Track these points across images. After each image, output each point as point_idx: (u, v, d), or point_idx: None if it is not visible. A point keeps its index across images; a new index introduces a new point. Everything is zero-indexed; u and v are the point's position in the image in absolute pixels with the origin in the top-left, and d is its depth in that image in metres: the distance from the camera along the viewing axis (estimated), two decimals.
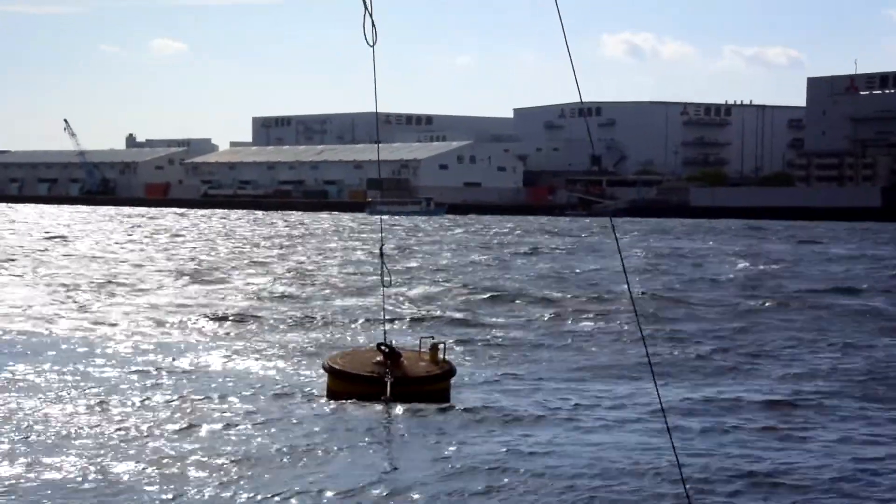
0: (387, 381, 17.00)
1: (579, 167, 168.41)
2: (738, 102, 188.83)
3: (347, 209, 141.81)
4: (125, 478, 13.08)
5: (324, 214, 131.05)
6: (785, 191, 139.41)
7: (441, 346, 18.19)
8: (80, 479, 13.02)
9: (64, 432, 15.16)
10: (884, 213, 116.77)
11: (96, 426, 15.55)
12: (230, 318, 27.79)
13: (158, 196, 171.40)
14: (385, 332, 18.96)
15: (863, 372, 21.21)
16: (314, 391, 18.27)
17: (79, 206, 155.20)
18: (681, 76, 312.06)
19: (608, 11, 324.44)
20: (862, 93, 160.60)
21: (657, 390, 13.16)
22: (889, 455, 14.57)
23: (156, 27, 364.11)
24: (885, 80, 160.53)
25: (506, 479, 13.24)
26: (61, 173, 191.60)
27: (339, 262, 49.76)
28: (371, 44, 13.27)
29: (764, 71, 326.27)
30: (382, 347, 17.64)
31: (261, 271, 43.75)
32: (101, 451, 14.20)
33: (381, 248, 18.64)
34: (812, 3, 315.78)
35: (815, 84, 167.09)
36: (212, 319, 27.56)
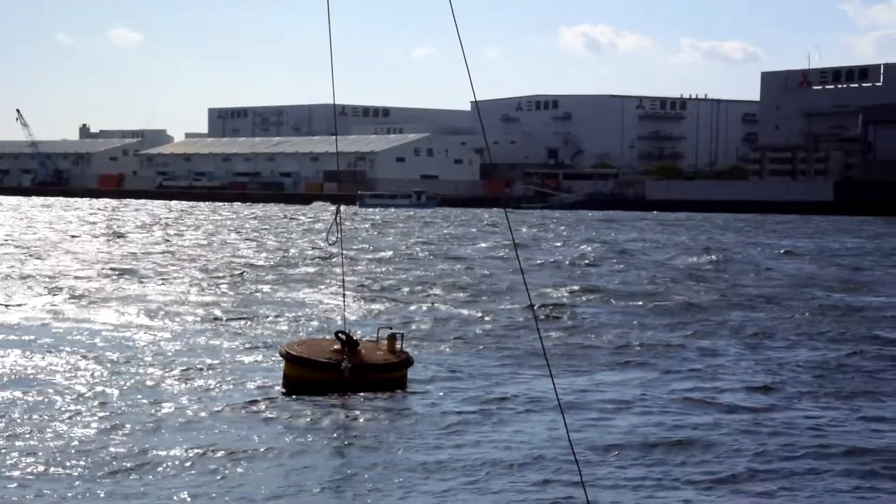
0: (343, 367, 17.03)
1: (536, 160, 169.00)
2: (694, 96, 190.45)
3: (303, 201, 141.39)
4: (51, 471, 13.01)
5: (281, 206, 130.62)
6: (739, 184, 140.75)
7: (399, 336, 18.25)
8: (31, 480, 12.94)
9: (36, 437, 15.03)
10: (836, 206, 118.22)
11: (38, 423, 15.44)
12: (187, 304, 27.67)
13: (112, 187, 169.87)
14: (344, 321, 18.97)
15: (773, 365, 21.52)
16: (269, 378, 18.26)
17: (32, 196, 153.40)
18: (638, 69, 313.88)
19: (566, 4, 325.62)
20: (815, 87, 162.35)
21: (552, 380, 13.33)
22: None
23: (112, 16, 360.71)
24: (837, 74, 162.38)
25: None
26: (13, 164, 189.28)
27: (296, 253, 49.61)
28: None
29: (720, 65, 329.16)
30: (340, 335, 17.66)
31: (219, 258, 43.54)
32: (39, 455, 14.11)
33: (336, 215, 17.89)
34: None
35: (768, 78, 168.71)
36: (165, 307, 27.41)
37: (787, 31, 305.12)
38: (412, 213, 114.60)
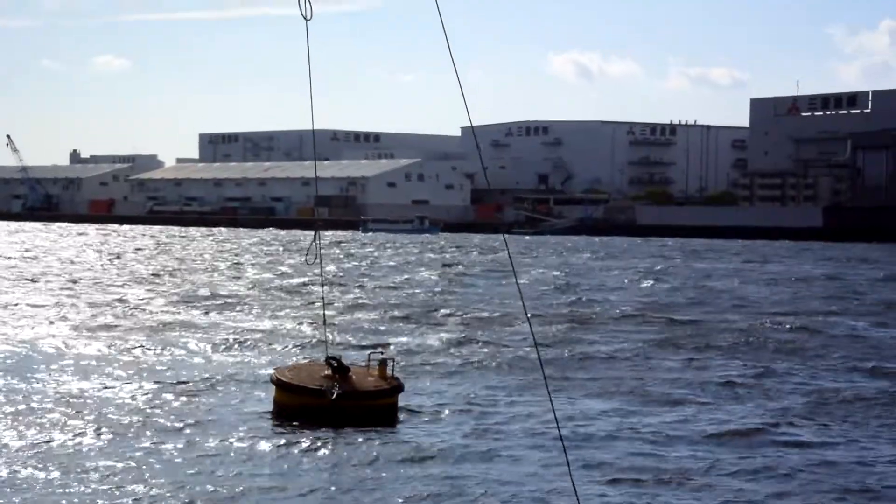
0: (333, 394, 17.01)
1: (526, 185, 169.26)
2: (684, 122, 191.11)
3: (294, 226, 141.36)
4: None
5: (272, 230, 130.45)
6: (729, 210, 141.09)
7: (390, 362, 18.24)
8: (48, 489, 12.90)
9: None
10: (825, 233, 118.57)
11: (21, 439, 15.41)
12: (178, 327, 27.64)
13: (103, 212, 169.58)
14: (333, 346, 18.98)
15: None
16: (261, 402, 18.24)
17: (22, 222, 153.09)
18: (628, 95, 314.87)
19: (554, 30, 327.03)
20: (804, 114, 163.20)
21: (553, 410, 13.35)
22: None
23: (99, 43, 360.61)
24: (826, 101, 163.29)
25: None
26: (3, 189, 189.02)
27: (282, 276, 49.59)
28: (307, 18, 13.08)
29: (709, 91, 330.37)
30: (331, 361, 17.66)
31: (207, 281, 43.49)
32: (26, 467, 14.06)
33: (315, 237, 18.09)
34: (755, 23, 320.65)
35: (758, 105, 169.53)
36: (157, 330, 27.38)
37: (775, 58, 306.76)
38: (420, 237, 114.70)
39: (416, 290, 43.49)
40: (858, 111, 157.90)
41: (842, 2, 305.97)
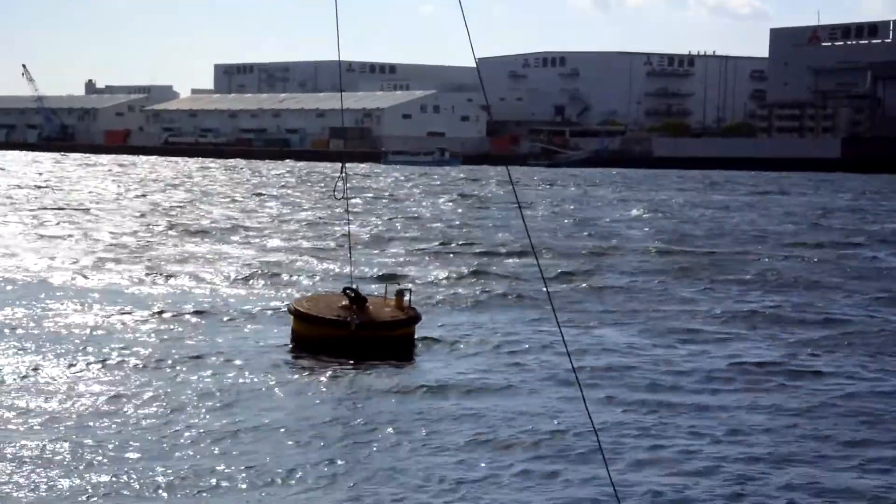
0: (352, 324, 17.07)
1: (543, 117, 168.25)
2: (702, 53, 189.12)
3: (310, 158, 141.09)
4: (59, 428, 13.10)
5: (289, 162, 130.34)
6: (746, 142, 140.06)
7: (407, 292, 18.28)
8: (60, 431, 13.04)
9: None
10: (843, 164, 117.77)
11: (39, 369, 15.54)
12: (196, 258, 27.76)
13: (118, 143, 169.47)
14: (351, 277, 19.01)
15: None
16: (279, 334, 18.34)
17: (38, 152, 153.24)
18: (646, 26, 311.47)
19: None
20: (824, 44, 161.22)
21: (566, 347, 13.30)
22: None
23: None
24: (847, 31, 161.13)
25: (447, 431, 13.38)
26: (19, 119, 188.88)
27: (306, 211, 49.63)
28: None
29: (728, 21, 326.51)
30: (348, 292, 17.70)
31: (232, 213, 43.60)
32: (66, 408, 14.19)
33: (342, 171, 18.08)
34: None
35: (777, 35, 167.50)
36: (173, 262, 27.50)
37: None
38: (440, 169, 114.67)
39: (435, 224, 43.47)
40: (879, 41, 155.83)
41: None
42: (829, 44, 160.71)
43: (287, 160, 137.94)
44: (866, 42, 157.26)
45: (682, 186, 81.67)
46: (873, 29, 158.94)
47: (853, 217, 50.59)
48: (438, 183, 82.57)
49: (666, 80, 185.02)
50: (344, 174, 17.97)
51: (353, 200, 51.39)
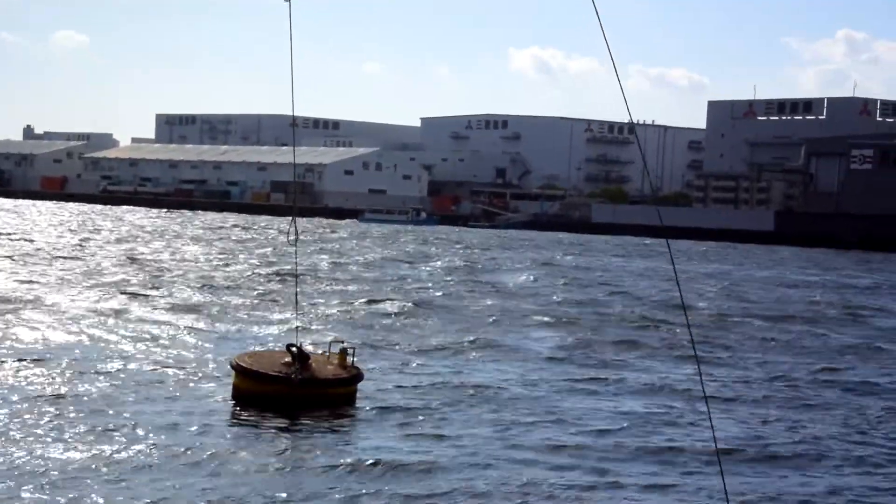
0: (293, 380, 17.08)
1: (484, 179, 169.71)
2: (642, 122, 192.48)
3: (250, 211, 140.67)
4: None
5: (227, 214, 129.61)
6: (683, 210, 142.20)
7: (350, 350, 18.36)
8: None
9: None
10: (776, 237, 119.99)
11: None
12: (146, 312, 27.53)
13: (55, 189, 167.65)
14: (297, 333, 19.05)
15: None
16: (219, 389, 18.27)
17: None
18: (588, 93, 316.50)
19: (516, 26, 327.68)
20: (760, 118, 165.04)
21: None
22: None
23: (58, 18, 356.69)
24: (782, 106, 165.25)
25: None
26: None
27: (249, 264, 49.42)
28: None
29: (667, 92, 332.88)
30: (292, 349, 17.73)
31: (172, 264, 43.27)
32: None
33: (293, 220, 18.71)
34: (714, 28, 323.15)
35: (715, 107, 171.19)
36: (112, 314, 27.25)
37: (732, 62, 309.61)
38: (415, 228, 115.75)
39: (391, 281, 43.52)
40: (813, 117, 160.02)
41: (800, 10, 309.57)
42: (765, 118, 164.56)
43: (225, 212, 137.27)
44: (801, 118, 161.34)
45: (616, 252, 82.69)
46: (808, 105, 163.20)
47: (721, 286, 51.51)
48: (392, 241, 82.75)
49: (606, 146, 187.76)
50: (294, 220, 18.83)
51: (312, 259, 51.29)
